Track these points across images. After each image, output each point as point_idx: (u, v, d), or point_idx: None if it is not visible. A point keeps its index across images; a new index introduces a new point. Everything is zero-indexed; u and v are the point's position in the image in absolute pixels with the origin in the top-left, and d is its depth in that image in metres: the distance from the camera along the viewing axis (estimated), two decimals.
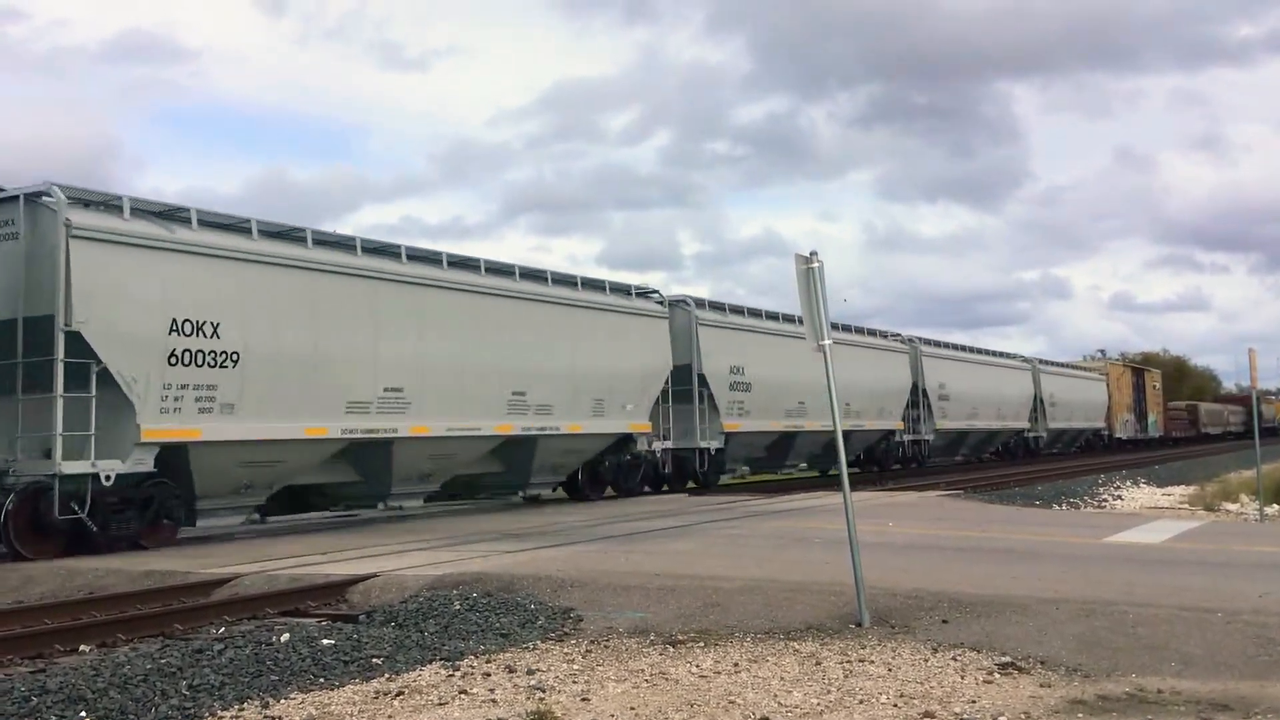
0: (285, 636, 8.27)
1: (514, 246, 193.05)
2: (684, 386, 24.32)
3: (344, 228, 22.71)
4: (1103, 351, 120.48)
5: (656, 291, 24.29)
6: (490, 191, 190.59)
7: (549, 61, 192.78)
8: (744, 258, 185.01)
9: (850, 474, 9.42)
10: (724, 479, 27.96)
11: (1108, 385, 55.68)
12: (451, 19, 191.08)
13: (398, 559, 11.93)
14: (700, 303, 25.54)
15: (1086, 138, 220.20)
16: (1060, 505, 23.78)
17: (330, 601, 10.12)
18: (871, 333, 34.15)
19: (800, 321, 20.17)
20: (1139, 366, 66.86)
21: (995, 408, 41.78)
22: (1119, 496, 27.37)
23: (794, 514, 17.85)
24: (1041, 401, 43.96)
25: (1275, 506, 22.73)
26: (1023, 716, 6.01)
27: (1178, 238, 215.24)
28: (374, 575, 10.63)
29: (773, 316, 27.76)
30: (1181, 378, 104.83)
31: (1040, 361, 45.98)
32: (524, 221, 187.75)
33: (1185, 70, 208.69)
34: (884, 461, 34.87)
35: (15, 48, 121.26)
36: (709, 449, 24.93)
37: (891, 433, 34.22)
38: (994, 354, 43.76)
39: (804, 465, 31.99)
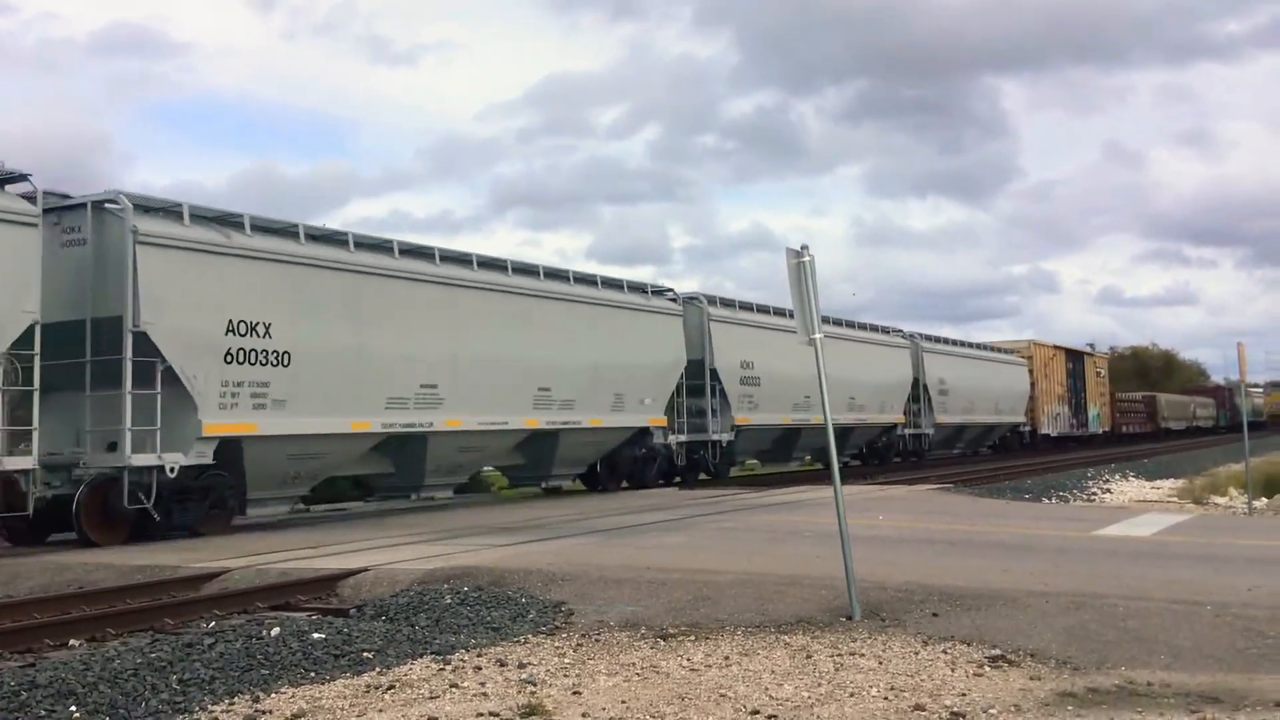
0: (275, 631, 8.26)
1: (503, 241, 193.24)
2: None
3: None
4: (1092, 345, 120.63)
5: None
6: (479, 186, 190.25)
7: (538, 56, 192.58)
8: (734, 252, 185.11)
9: (851, 467, 9.47)
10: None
11: (1031, 370, 46.26)
12: (440, 14, 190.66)
13: (388, 553, 11.91)
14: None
15: (1075, 133, 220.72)
16: (1050, 499, 23.88)
17: (321, 595, 10.11)
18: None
19: (419, 256, 19.81)
20: (1076, 349, 54.86)
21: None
22: (1108, 490, 27.49)
23: (785, 508, 17.86)
24: (925, 389, 36.62)
25: (1264, 500, 22.82)
26: (1013, 709, 6.03)
27: (1166, 232, 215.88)
28: (365, 569, 10.62)
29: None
30: (1170, 371, 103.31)
31: (925, 338, 37.59)
32: (513, 216, 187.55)
33: (1173, 66, 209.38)
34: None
35: (4, 41, 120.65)
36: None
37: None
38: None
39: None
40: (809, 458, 32.36)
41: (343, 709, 6.36)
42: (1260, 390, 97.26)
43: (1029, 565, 10.87)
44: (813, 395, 27.10)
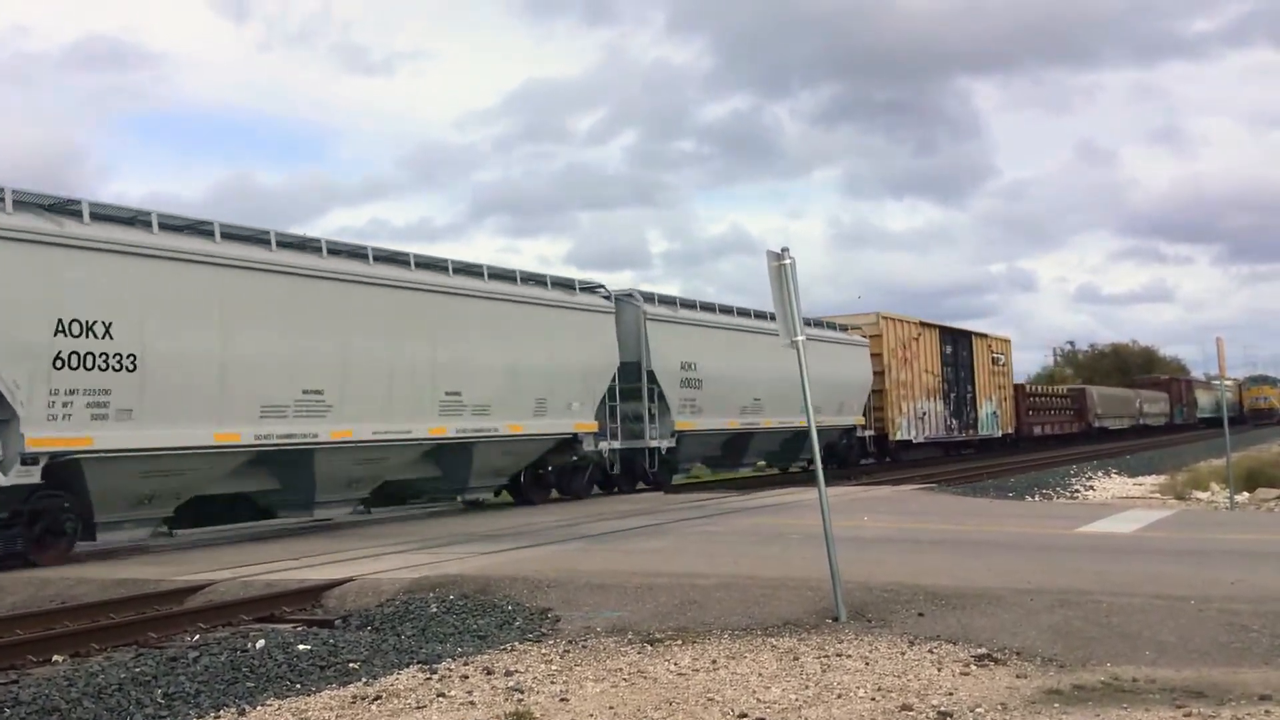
0: (261, 643, 8.22)
1: (483, 248, 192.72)
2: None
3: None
4: (1071, 343, 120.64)
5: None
6: (458, 193, 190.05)
7: (514, 64, 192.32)
8: (713, 256, 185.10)
9: (816, 470, 9.44)
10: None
11: (885, 354, 34.04)
12: (415, 23, 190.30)
13: (373, 563, 11.87)
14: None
15: (1048, 132, 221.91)
16: (1033, 497, 23.96)
17: (306, 607, 10.06)
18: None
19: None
20: (957, 328, 41.88)
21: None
22: (1091, 487, 27.59)
23: (769, 510, 17.88)
24: (652, 378, 23.81)
25: (1245, 495, 22.96)
26: (999, 707, 6.04)
27: (1141, 230, 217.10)
28: (349, 580, 10.58)
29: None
30: (1151, 368, 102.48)
31: (652, 299, 24.67)
32: (492, 223, 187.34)
33: (1142, 65, 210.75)
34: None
35: None
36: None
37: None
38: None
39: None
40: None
41: None
42: (1229, 384, 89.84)
43: (1013, 563, 10.91)
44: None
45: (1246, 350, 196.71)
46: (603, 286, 23.36)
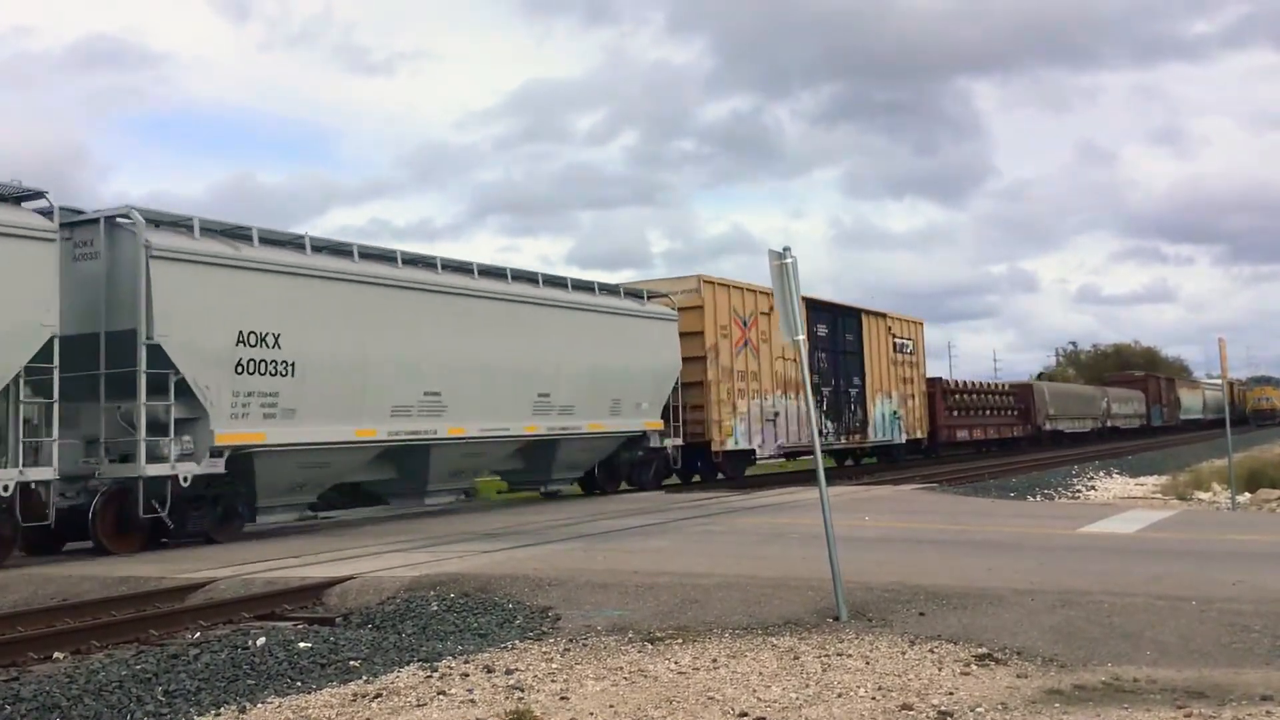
0: (261, 640, 8.22)
1: (482, 247, 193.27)
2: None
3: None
4: (1074, 344, 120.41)
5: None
6: (459, 193, 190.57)
7: (515, 64, 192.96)
8: (713, 255, 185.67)
9: (817, 470, 9.43)
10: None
11: (709, 334, 25.39)
12: (415, 24, 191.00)
13: (374, 561, 11.87)
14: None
15: (1048, 133, 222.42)
16: (1035, 497, 23.96)
17: (307, 604, 10.06)
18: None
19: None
20: (841, 304, 32.64)
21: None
22: (1092, 487, 27.58)
23: (770, 509, 17.87)
24: (172, 361, 14.15)
25: (1247, 495, 22.95)
26: (1000, 707, 6.04)
27: (1142, 230, 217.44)
28: (351, 577, 10.58)
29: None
30: (1153, 368, 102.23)
31: (157, 220, 14.55)
32: (493, 222, 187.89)
33: (1142, 66, 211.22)
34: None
35: None
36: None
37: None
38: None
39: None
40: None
41: (330, 718, 6.34)
42: (1216, 383, 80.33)
43: (1015, 563, 10.90)
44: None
45: (1250, 351, 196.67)
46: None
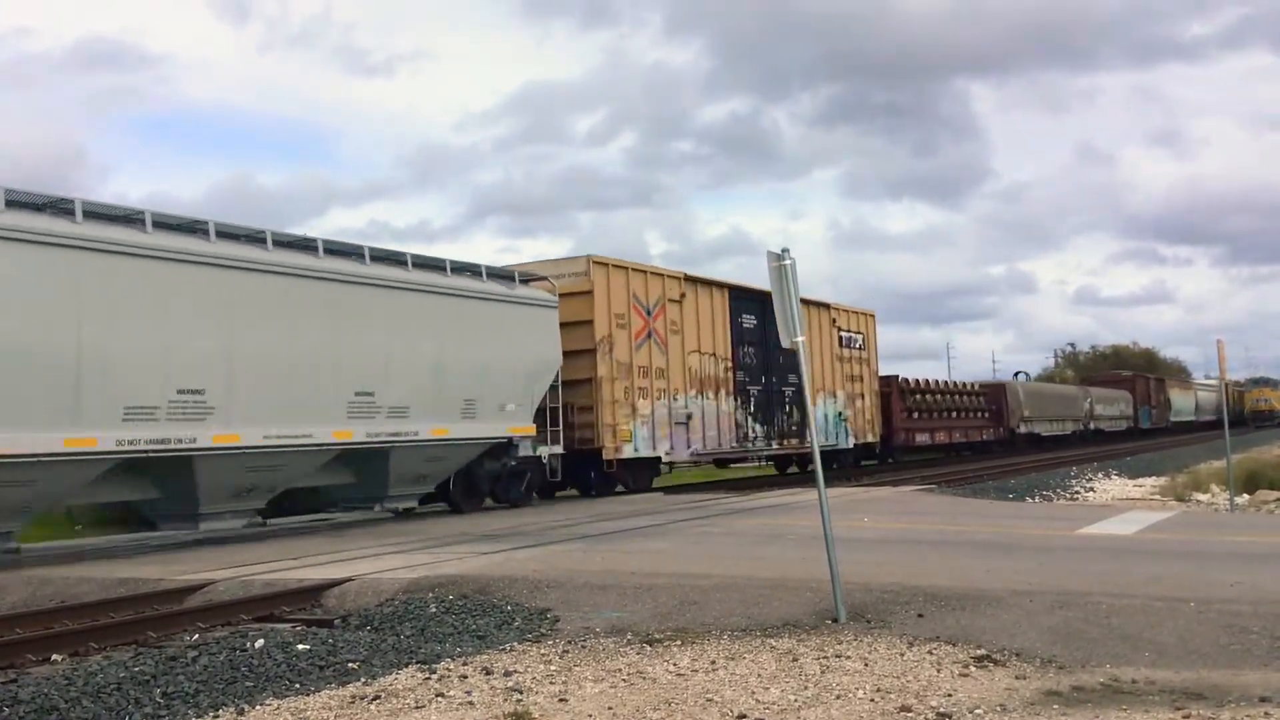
0: (260, 642, 8.22)
1: (482, 248, 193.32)
2: None
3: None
4: (1072, 345, 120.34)
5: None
6: (458, 194, 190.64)
7: (514, 65, 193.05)
8: (712, 257, 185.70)
9: (816, 471, 9.40)
10: None
11: (601, 323, 22.27)
12: (414, 25, 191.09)
13: (373, 562, 11.87)
14: None
15: (1046, 134, 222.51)
16: (1033, 498, 23.97)
17: (305, 606, 10.06)
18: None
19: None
20: (761, 290, 23.83)
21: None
22: (1091, 489, 27.60)
23: (769, 511, 17.87)
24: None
25: (1245, 497, 22.96)
26: (999, 709, 6.04)
27: (1140, 232, 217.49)
28: (349, 579, 10.58)
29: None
30: (1152, 370, 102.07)
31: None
32: (492, 223, 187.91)
33: (1140, 67, 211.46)
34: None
35: None
36: None
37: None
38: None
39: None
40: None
41: None
42: (1210, 384, 79.54)
43: (1013, 564, 10.90)
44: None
45: (1249, 353, 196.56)
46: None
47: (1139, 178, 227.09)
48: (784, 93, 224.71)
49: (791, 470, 31.54)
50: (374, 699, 6.74)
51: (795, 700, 6.37)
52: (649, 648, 7.88)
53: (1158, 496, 24.87)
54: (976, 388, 44.24)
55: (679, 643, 7.99)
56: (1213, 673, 6.70)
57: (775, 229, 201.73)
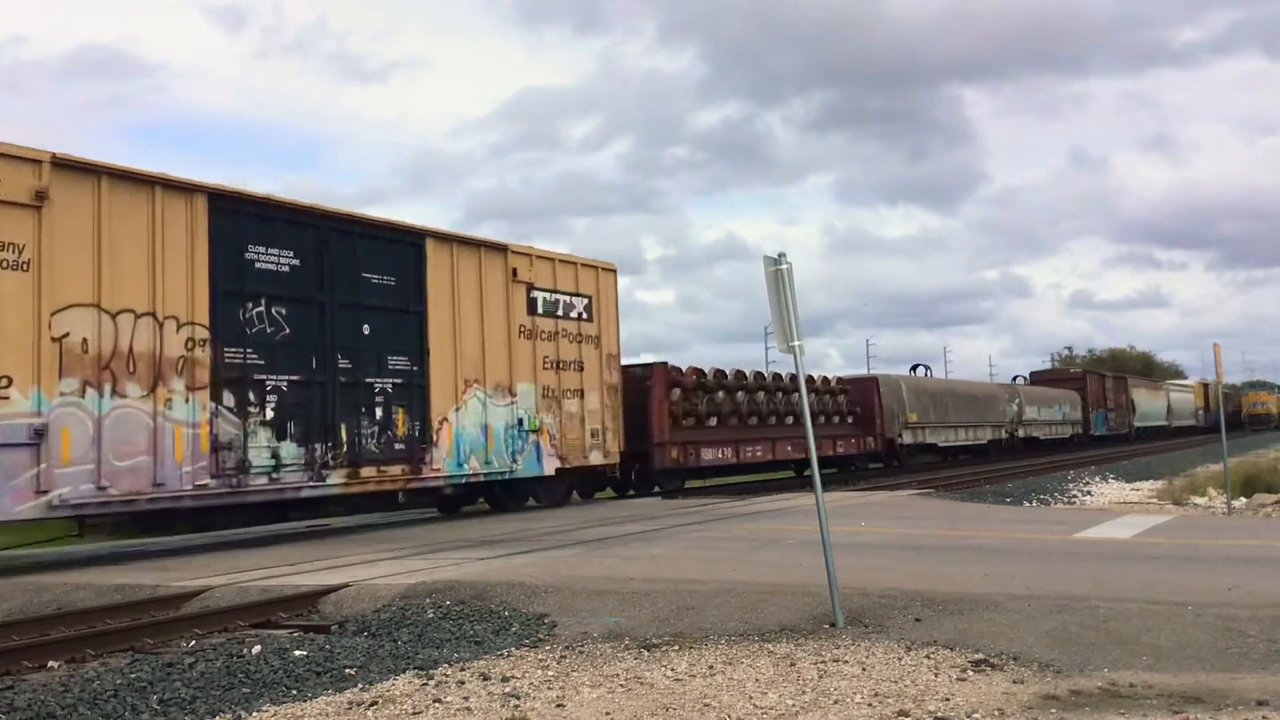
0: (257, 649, 8.21)
1: None
2: None
3: None
4: (1069, 349, 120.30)
5: None
6: (454, 201, 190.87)
7: (508, 73, 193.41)
8: (707, 262, 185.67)
9: (813, 476, 9.41)
10: None
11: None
12: (409, 32, 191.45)
13: (369, 568, 11.85)
14: None
15: (1039, 140, 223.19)
16: (1030, 502, 23.96)
17: (302, 612, 10.04)
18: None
19: None
20: (389, 222, 17.48)
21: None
22: (1088, 493, 27.60)
23: (767, 516, 17.86)
24: None
25: (1242, 500, 22.97)
26: (996, 713, 6.04)
27: (1135, 236, 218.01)
28: (346, 585, 10.56)
29: None
30: (1149, 373, 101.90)
31: None
32: (487, 229, 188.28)
33: (1131, 73, 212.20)
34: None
35: None
36: None
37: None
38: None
39: None
40: None
41: None
42: (1185, 384, 74.80)
43: (1011, 569, 10.90)
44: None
45: (1245, 357, 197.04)
46: None
47: (1132, 182, 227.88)
48: (778, 99, 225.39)
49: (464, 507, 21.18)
50: (371, 705, 6.72)
51: (793, 705, 6.36)
52: (647, 653, 7.87)
53: (1155, 500, 24.89)
54: (835, 383, 32.37)
55: (677, 648, 7.98)
56: (1210, 676, 6.70)
57: (770, 234, 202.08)
